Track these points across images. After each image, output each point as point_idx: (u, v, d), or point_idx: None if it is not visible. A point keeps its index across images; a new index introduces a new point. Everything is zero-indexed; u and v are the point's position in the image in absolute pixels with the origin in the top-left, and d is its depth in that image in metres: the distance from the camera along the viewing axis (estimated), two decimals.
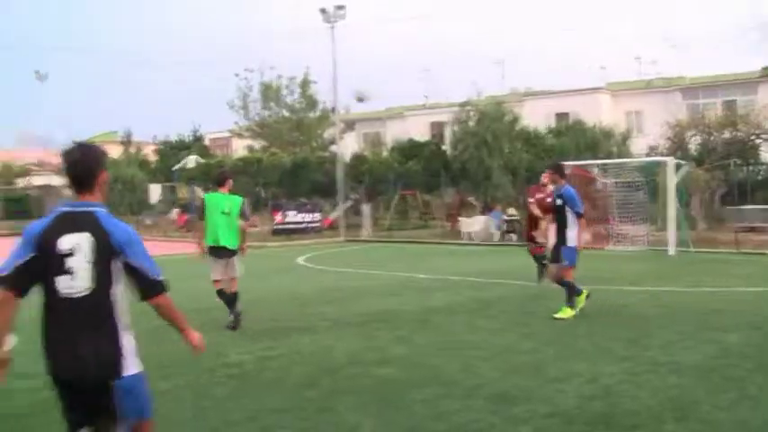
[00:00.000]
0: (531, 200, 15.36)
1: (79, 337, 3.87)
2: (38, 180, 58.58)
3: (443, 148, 38.95)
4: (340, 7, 36.12)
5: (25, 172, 62.15)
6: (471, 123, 34.01)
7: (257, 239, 30.69)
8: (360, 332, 10.82)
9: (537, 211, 14.82)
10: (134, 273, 3.98)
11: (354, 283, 17.11)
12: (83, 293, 3.87)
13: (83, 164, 4.07)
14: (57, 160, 60.51)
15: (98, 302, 3.91)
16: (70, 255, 3.86)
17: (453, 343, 9.86)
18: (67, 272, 3.86)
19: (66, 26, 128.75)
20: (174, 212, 41.40)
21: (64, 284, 3.86)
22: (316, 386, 7.85)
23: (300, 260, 23.03)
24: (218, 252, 11.34)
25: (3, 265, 3.92)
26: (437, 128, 47.64)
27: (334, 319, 11.90)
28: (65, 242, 3.88)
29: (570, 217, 11.59)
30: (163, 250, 23.67)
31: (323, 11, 36.33)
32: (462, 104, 35.41)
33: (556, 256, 11.93)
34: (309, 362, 9.00)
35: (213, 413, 7.02)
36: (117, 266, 3.96)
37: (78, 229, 3.91)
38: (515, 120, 34.71)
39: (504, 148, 32.85)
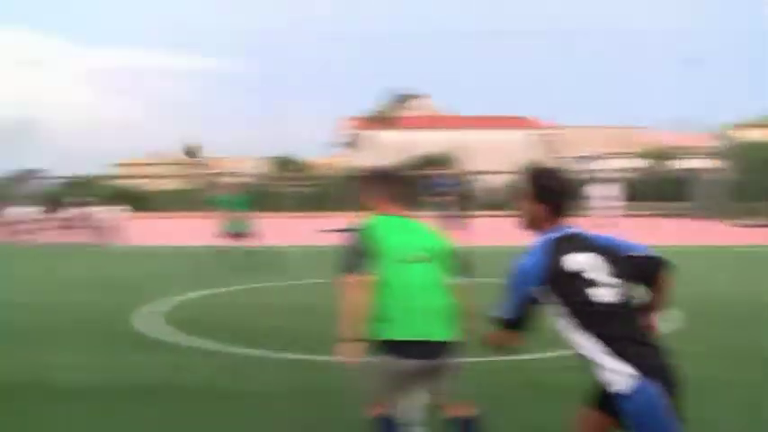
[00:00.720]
0: None
1: (643, 341, 3.80)
2: (687, 163, 59.61)
3: None
4: None
5: (674, 154, 63.73)
6: None
7: None
8: None
9: None
10: (635, 261, 3.92)
11: None
12: (617, 300, 3.80)
13: (559, 181, 4.05)
14: (705, 144, 61.10)
15: (631, 306, 3.88)
16: (582, 272, 3.81)
17: None
18: (590, 284, 3.79)
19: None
20: None
21: (595, 295, 3.78)
22: None
23: None
24: None
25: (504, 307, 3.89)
26: None
27: None
28: (569, 262, 3.83)
29: None
30: None
31: None
32: None
33: None
34: None
35: None
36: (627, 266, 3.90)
37: (580, 250, 3.88)
38: None
39: None
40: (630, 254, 3.93)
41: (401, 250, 4.77)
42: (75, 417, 6.49)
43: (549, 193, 3.97)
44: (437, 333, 4.68)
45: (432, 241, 4.91)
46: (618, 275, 3.83)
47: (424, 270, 4.77)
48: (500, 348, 3.99)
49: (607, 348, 3.68)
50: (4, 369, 8.13)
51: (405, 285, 4.70)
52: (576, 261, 3.82)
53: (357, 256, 4.78)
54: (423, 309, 4.67)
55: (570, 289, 3.78)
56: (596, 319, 3.74)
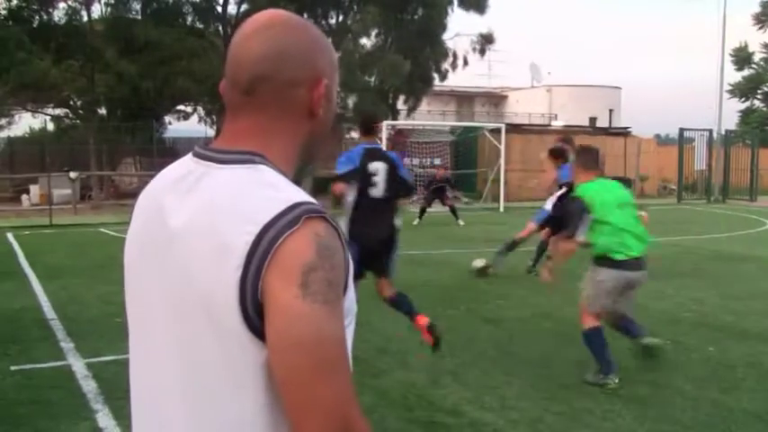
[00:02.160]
0: None
1: (380, 221, 6.24)
2: None
3: None
4: None
5: None
6: None
7: None
8: None
9: None
10: (401, 181, 6.42)
11: None
12: (381, 197, 6.25)
13: (371, 118, 6.87)
14: None
15: (388, 202, 6.32)
16: (375, 174, 6.22)
17: None
18: (373, 184, 6.21)
19: None
20: None
21: (372, 192, 6.22)
22: None
23: None
24: None
25: (339, 167, 6.39)
26: None
27: None
28: (372, 166, 6.22)
29: None
30: None
31: None
32: None
33: None
34: None
35: None
36: (396, 180, 6.30)
37: (378, 159, 6.30)
38: None
39: None
40: (401, 176, 6.41)
41: None
42: None
43: (359, 120, 7.05)
44: None
45: None
46: (388, 184, 6.24)
47: None
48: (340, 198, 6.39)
49: (350, 220, 6.16)
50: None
51: None
52: (374, 165, 6.24)
53: None
54: None
55: (363, 182, 6.19)
56: (362, 205, 6.19)
